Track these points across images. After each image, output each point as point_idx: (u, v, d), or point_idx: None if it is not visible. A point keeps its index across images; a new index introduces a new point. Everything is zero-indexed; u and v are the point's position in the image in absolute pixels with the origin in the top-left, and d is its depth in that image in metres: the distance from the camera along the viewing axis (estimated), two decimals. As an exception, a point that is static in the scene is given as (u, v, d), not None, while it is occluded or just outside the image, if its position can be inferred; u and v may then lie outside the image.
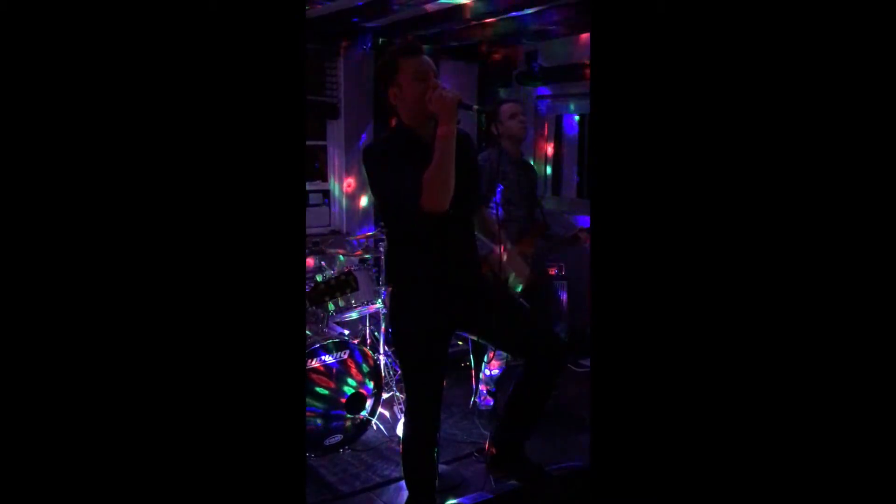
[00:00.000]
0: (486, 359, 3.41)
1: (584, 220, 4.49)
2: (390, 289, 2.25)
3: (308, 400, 2.90)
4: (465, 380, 3.60)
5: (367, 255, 3.78)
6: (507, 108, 3.30)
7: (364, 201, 4.81)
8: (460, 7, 3.77)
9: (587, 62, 4.41)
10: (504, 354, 3.35)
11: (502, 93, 4.97)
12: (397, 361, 2.74)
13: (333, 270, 3.30)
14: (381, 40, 4.44)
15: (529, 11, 3.75)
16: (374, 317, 3.52)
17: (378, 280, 3.53)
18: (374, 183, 2.12)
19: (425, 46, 2.33)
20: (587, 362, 3.96)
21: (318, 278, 3.23)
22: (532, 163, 4.14)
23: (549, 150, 5.10)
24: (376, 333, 3.49)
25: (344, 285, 3.02)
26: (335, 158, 4.77)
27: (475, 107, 2.15)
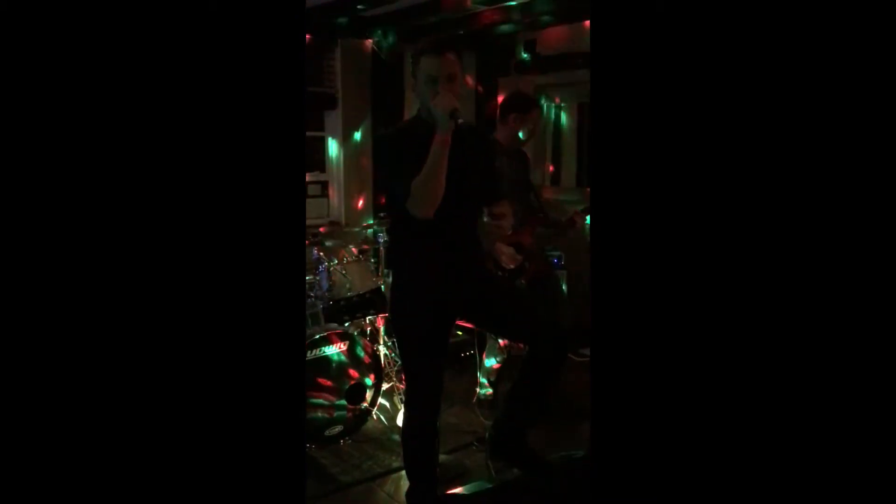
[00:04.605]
0: (488, 348, 3.41)
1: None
2: (391, 274, 2.25)
3: (308, 391, 2.90)
4: (466, 369, 3.60)
5: (365, 247, 3.77)
6: (531, 118, 3.23)
7: (363, 192, 4.80)
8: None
9: (586, 51, 4.39)
10: (505, 345, 3.35)
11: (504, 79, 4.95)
12: (397, 348, 2.73)
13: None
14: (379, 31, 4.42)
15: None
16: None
17: (377, 271, 3.52)
18: (377, 170, 2.15)
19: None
20: (587, 351, 3.97)
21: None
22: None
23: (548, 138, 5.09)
24: (376, 324, 3.49)
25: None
26: (333, 149, 4.76)
27: (460, 120, 1.95)
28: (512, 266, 3.10)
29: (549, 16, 4.05)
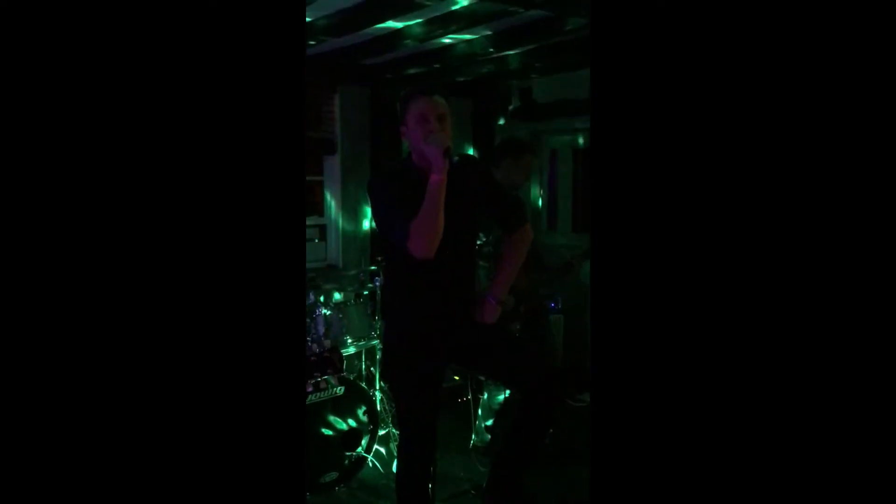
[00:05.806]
0: (483, 394, 3.39)
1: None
2: (385, 322, 2.25)
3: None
4: (462, 415, 3.57)
5: (362, 290, 3.77)
6: (524, 163, 3.27)
7: (360, 237, 4.83)
8: (456, 45, 3.84)
9: (580, 98, 4.47)
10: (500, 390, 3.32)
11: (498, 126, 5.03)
12: (391, 394, 2.70)
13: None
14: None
15: (524, 49, 3.82)
16: (370, 352, 3.51)
17: (374, 315, 3.52)
18: (373, 215, 2.16)
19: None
20: (584, 396, 3.94)
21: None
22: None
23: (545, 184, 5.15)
24: (372, 369, 3.47)
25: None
26: (332, 194, 4.80)
27: (455, 158, 2.01)
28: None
29: (545, 64, 4.14)
